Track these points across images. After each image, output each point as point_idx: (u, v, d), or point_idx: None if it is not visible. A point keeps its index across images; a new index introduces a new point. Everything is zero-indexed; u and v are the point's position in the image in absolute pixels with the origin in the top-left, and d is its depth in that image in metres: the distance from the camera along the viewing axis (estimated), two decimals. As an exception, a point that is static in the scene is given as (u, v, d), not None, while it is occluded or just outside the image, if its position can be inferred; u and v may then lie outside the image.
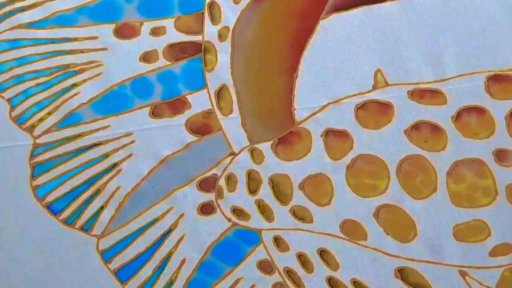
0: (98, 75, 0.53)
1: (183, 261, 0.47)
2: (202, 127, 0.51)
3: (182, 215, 0.48)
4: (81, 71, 0.53)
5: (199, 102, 0.52)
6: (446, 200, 0.48)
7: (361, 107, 0.51)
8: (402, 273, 0.46)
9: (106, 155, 0.50)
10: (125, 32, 0.54)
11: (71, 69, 0.53)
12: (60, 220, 0.48)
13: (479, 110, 0.50)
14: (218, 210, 0.48)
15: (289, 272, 0.46)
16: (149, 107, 0.52)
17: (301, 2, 0.54)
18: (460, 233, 0.47)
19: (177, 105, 0.52)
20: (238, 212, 0.48)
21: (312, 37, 0.53)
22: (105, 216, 0.48)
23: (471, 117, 0.50)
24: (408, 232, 0.47)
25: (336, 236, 0.47)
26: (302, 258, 0.47)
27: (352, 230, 0.48)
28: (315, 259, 0.47)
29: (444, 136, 0.50)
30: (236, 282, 0.46)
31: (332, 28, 0.54)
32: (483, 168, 0.49)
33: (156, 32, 0.54)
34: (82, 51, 0.54)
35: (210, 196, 0.49)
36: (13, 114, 0.52)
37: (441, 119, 0.50)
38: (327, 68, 0.50)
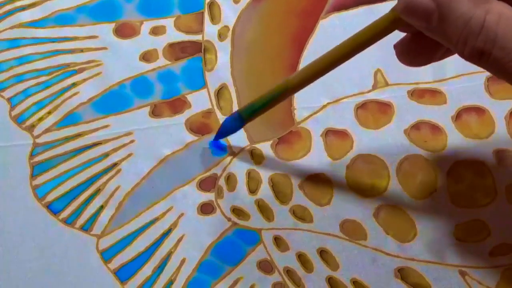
0: (98, 74, 0.53)
1: (183, 261, 0.47)
2: (202, 126, 0.51)
3: (182, 214, 0.48)
4: (81, 70, 0.53)
5: (199, 101, 0.52)
6: (446, 200, 0.48)
7: (361, 106, 0.51)
8: (402, 273, 0.46)
9: (106, 155, 0.50)
10: (125, 31, 0.54)
11: (71, 68, 0.53)
12: (60, 219, 0.48)
13: (479, 110, 0.50)
14: (218, 209, 0.48)
15: (289, 272, 0.46)
16: (149, 106, 0.52)
17: (301, 2, 0.54)
18: (460, 233, 0.47)
19: (177, 105, 0.52)
20: (238, 211, 0.48)
21: (312, 36, 0.53)
22: (105, 216, 0.48)
23: (471, 117, 0.50)
24: (408, 232, 0.47)
25: (336, 236, 0.47)
26: (302, 258, 0.47)
27: (352, 230, 0.48)
28: (315, 258, 0.47)
29: (444, 136, 0.50)
30: (236, 281, 0.46)
31: (332, 27, 0.54)
32: (483, 168, 0.49)
33: (156, 31, 0.54)
34: (82, 50, 0.54)
35: (210, 196, 0.49)
36: (13, 113, 0.52)
37: (441, 119, 0.50)
38: (327, 68, 0.50)
